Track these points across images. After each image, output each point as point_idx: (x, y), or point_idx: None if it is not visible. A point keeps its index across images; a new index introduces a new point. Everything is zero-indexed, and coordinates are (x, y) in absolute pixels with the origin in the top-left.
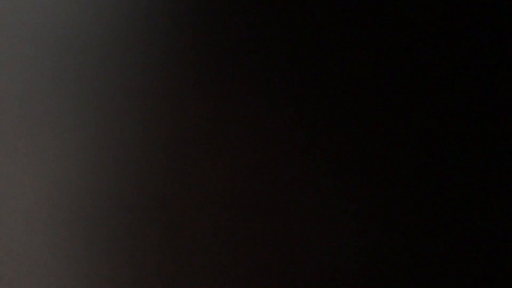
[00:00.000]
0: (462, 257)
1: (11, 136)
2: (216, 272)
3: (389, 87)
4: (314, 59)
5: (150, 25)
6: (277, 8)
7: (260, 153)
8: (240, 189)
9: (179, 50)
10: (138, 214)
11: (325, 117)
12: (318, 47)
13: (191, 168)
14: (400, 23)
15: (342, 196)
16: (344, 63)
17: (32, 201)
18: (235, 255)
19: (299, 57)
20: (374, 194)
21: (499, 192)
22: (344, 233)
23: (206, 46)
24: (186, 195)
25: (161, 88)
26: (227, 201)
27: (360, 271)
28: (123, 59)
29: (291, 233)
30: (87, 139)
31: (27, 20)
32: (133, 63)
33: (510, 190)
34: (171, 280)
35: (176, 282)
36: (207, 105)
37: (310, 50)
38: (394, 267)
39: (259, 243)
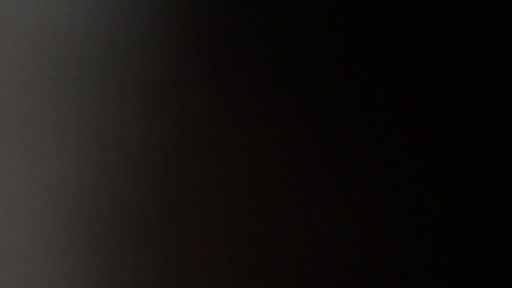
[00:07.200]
0: (462, 257)
1: (11, 136)
2: (216, 272)
3: (388, 87)
4: (314, 60)
5: (150, 25)
6: (276, 8)
7: (260, 153)
8: (240, 189)
9: (179, 50)
10: (138, 214)
11: (326, 117)
12: (317, 47)
13: (191, 168)
14: (399, 23)
15: (343, 196)
16: (343, 63)
17: (32, 201)
18: (235, 255)
19: (299, 58)
20: (374, 194)
21: (499, 192)
22: (343, 233)
23: (206, 46)
24: (186, 195)
25: (161, 88)
26: (227, 202)
27: (359, 271)
28: (123, 59)
29: (291, 233)
30: (87, 139)
31: (27, 20)
32: (133, 63)
33: (510, 190)
34: (171, 280)
35: (177, 282)
36: (207, 106)
37: (310, 50)
38: (393, 267)
39: (259, 244)
